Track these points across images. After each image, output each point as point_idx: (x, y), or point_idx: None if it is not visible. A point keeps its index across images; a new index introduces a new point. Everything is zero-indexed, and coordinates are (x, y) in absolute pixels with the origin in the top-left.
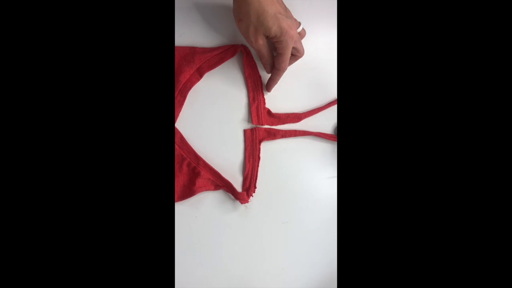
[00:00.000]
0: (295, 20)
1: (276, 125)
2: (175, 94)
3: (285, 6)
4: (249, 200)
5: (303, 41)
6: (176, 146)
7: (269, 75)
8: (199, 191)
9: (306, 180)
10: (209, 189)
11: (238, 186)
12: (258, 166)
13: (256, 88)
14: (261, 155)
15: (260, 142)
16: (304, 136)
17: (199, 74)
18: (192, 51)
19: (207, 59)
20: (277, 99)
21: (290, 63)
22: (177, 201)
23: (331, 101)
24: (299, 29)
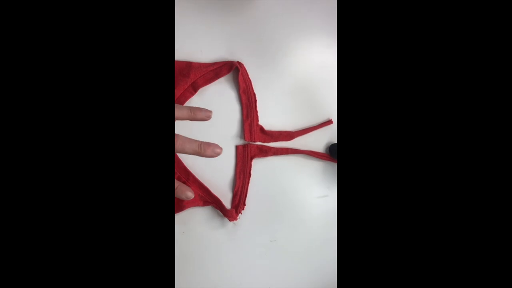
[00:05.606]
0: None
1: (268, 142)
2: None
3: None
4: (238, 217)
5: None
6: None
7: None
8: (188, 207)
9: (296, 198)
10: (198, 205)
11: (227, 203)
12: (248, 182)
13: (250, 105)
14: (252, 172)
15: (251, 158)
16: (295, 154)
17: (194, 89)
18: (188, 66)
19: (203, 74)
20: (270, 117)
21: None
22: None
23: (324, 121)
24: None
